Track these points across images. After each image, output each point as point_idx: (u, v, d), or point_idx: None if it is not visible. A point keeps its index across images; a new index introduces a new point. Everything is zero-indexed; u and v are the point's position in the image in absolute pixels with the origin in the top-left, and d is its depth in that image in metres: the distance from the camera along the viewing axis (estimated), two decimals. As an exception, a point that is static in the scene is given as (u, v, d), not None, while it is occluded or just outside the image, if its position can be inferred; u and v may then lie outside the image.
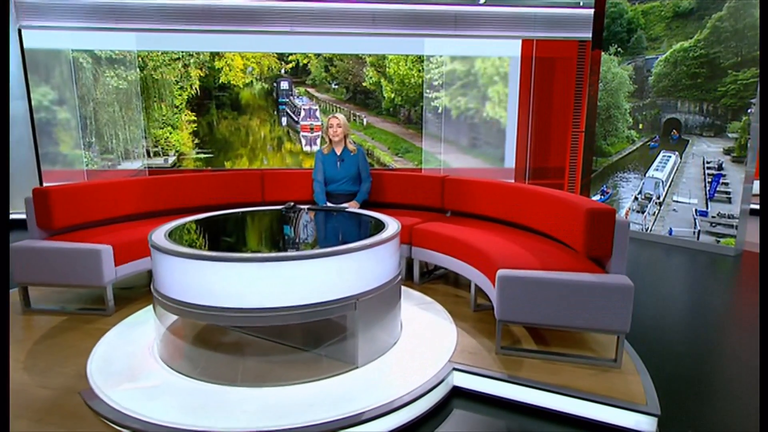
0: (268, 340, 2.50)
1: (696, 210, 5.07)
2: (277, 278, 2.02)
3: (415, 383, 2.08)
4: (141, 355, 2.36)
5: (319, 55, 6.10)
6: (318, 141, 6.21)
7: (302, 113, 6.21)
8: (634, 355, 2.43)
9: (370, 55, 6.11)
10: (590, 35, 5.87)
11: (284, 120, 6.24)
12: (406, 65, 6.11)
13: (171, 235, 2.40)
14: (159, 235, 2.35)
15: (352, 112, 6.30)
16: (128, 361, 2.30)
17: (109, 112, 5.74)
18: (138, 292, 3.32)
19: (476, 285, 2.91)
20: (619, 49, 5.72)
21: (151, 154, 5.91)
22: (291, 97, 6.21)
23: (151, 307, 2.68)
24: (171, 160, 5.99)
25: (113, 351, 2.41)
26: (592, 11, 5.80)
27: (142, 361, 2.30)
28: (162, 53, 5.70)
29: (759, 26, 4.48)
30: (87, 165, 5.76)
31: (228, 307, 2.02)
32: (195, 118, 5.96)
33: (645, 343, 2.66)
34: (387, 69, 6.13)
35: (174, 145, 5.95)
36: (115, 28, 5.50)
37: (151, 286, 2.30)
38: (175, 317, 2.45)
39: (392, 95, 6.20)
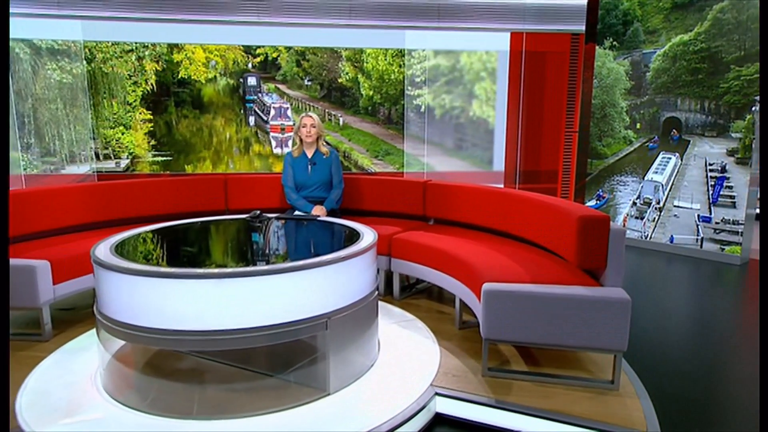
0: (228, 365, 2.44)
1: (698, 215, 5.17)
2: (238, 296, 1.99)
3: (393, 410, 2.07)
4: (82, 386, 2.28)
5: (290, 48, 6.08)
6: (290, 143, 6.17)
7: (272, 112, 6.17)
8: (633, 375, 2.46)
9: (346, 49, 6.11)
10: (584, 28, 5.98)
11: (252, 119, 6.19)
12: (385, 60, 6.13)
13: (118, 248, 2.35)
14: (104, 248, 2.30)
15: (326, 110, 6.28)
16: (67, 393, 2.22)
17: (51, 109, 5.61)
18: (80, 314, 3.22)
19: (461, 300, 2.91)
20: (614, 42, 5.84)
21: (101, 157, 5.80)
22: (259, 95, 6.16)
23: (94, 331, 2.61)
24: (124, 163, 5.88)
25: (49, 382, 2.32)
26: (585, 2, 5.92)
27: (82, 393, 2.22)
28: (112, 44, 5.61)
29: (759, 25, 4.61)
30: (25, 169, 5.61)
31: (183, 329, 1.98)
32: (151, 117, 5.87)
33: (645, 363, 2.68)
34: (365, 64, 6.14)
35: (127, 146, 5.84)
36: (58, 15, 5.38)
37: (94, 308, 2.24)
38: (121, 342, 2.39)
39: (371, 93, 6.21)
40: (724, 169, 5.04)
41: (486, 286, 2.34)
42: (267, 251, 2.80)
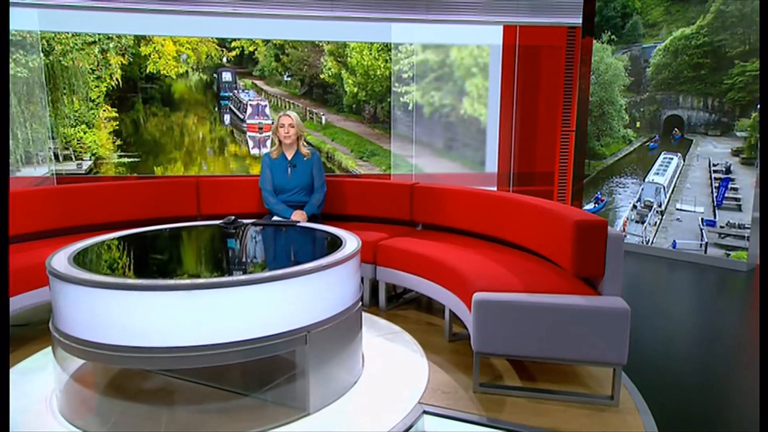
0: (199, 384, 2.42)
1: (702, 219, 5.24)
2: (209, 309, 1.97)
3: (378, 431, 2.06)
4: (36, 410, 2.24)
5: (268, 41, 6.08)
6: (268, 143, 6.16)
7: (249, 110, 6.16)
8: (633, 390, 2.47)
9: (328, 43, 6.12)
10: (580, 20, 6.05)
11: (227, 118, 6.17)
12: (370, 55, 6.15)
13: (77, 258, 2.32)
14: (61, 258, 2.26)
15: (308, 108, 6.28)
16: (19, 418, 2.17)
17: (5, 107, 5.56)
18: (35, 331, 3.15)
19: (451, 311, 2.92)
20: (612, 36, 5.92)
21: (61, 158, 5.73)
22: (235, 91, 6.15)
23: (50, 349, 2.57)
24: (86, 165, 5.82)
25: (1, 405, 2.28)
26: (582, -7, 6.00)
27: (37, 417, 2.18)
28: (73, 35, 5.56)
29: (759, 21, 4.70)
30: (-22, 172, 5.54)
31: (149, 346, 1.95)
32: (116, 115, 5.82)
33: (646, 377, 2.70)
34: (348, 59, 6.15)
35: (90, 147, 5.78)
36: (12, 3, 5.32)
37: (50, 324, 2.20)
38: (80, 362, 2.35)
39: (355, 89, 6.22)
40: (728, 170, 5.11)
41: (477, 295, 2.34)
42: (242, 260, 2.78)
